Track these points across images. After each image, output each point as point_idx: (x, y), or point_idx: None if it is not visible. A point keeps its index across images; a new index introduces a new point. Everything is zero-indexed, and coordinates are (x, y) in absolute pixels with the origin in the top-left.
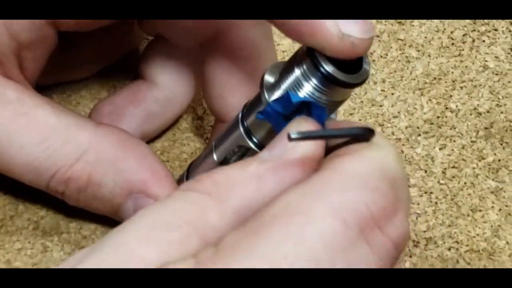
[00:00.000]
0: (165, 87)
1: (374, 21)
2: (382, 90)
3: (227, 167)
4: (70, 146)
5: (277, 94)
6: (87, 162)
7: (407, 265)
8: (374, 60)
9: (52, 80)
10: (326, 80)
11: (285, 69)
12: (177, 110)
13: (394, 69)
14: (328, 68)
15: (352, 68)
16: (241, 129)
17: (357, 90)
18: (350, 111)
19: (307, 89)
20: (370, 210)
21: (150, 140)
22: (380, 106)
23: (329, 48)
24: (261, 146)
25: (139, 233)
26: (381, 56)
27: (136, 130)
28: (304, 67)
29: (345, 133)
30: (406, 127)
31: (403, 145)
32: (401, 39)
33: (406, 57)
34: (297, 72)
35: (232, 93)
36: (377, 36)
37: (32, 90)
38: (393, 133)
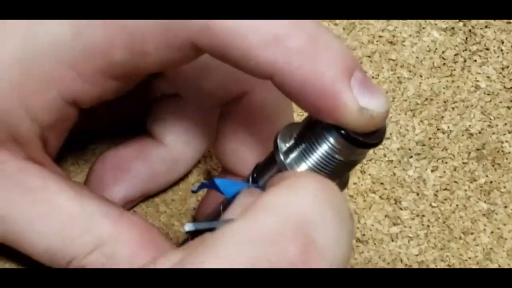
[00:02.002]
0: (173, 148)
1: (365, 40)
2: None
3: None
4: (90, 236)
5: (292, 156)
6: (103, 254)
7: None
8: None
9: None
10: (344, 139)
11: (301, 129)
12: (183, 170)
13: (386, 90)
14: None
15: None
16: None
17: None
18: None
19: (324, 149)
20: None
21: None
22: None
23: (350, 123)
24: None
25: None
26: (372, 77)
27: (139, 187)
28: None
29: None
30: (398, 149)
31: (395, 167)
32: (392, 59)
33: (398, 77)
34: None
35: (249, 150)
36: (369, 56)
37: (57, 171)
38: (385, 155)
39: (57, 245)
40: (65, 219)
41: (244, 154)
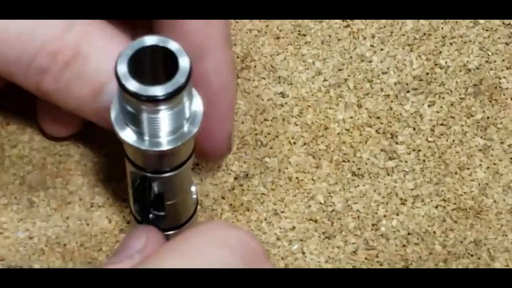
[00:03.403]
0: None
1: None
2: (371, 45)
3: None
4: (61, 21)
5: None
6: (77, 34)
7: (394, 223)
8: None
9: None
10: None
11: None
12: None
13: (383, 24)
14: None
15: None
16: None
17: (346, 45)
18: (339, 67)
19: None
20: None
21: None
22: (369, 62)
23: None
24: None
25: None
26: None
27: None
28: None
29: None
30: (395, 83)
31: (391, 101)
32: None
33: None
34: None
35: None
36: None
37: None
38: (382, 89)
39: (30, 25)
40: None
41: None
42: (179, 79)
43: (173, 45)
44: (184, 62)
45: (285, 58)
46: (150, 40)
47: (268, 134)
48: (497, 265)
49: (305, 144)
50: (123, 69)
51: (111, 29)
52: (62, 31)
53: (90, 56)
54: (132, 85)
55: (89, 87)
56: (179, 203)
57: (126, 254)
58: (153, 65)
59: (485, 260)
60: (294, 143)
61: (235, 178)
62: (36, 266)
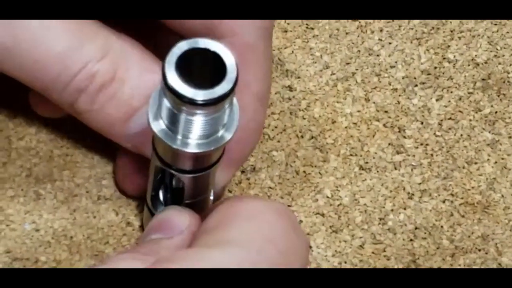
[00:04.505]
0: None
1: None
2: (379, 39)
3: None
4: (100, 40)
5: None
6: (114, 57)
7: (402, 217)
8: None
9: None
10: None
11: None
12: None
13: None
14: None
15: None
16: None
17: (354, 39)
18: (346, 60)
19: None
20: None
21: None
22: (377, 55)
23: None
24: None
25: None
26: None
27: None
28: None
29: None
30: (403, 77)
31: (399, 95)
32: None
33: None
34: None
35: None
36: None
37: None
38: (389, 83)
39: (72, 44)
40: (73, 26)
41: None
42: (224, 86)
43: (223, 51)
44: (231, 70)
45: (292, 52)
46: (203, 42)
47: (276, 127)
48: (505, 260)
49: (312, 137)
50: (170, 66)
51: (148, 55)
52: (102, 53)
53: (125, 80)
54: (176, 83)
55: (122, 110)
56: (197, 203)
57: (173, 231)
58: (203, 68)
59: (492, 255)
60: (302, 136)
61: (242, 172)
62: (43, 258)
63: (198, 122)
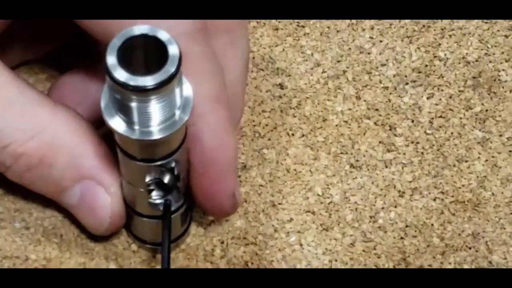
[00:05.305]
0: None
1: None
2: (370, 37)
3: None
4: (28, 121)
5: None
6: (43, 142)
7: (392, 215)
8: None
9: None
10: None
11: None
12: None
13: None
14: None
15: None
16: None
17: (345, 37)
18: (337, 58)
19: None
20: None
21: None
22: (368, 53)
23: None
24: None
25: None
26: None
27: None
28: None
29: None
30: (394, 76)
31: (390, 93)
32: None
33: None
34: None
35: None
36: None
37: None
38: (380, 81)
39: None
40: (4, 102)
41: None
42: (169, 68)
43: (162, 34)
44: (173, 51)
45: (283, 50)
46: (139, 29)
47: (266, 125)
48: (495, 258)
49: (303, 135)
50: (112, 59)
51: (82, 134)
52: (29, 137)
53: (53, 165)
54: (121, 75)
55: (52, 189)
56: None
57: None
58: (145, 55)
59: (483, 253)
60: (292, 134)
61: None
62: (33, 256)
63: (152, 109)
